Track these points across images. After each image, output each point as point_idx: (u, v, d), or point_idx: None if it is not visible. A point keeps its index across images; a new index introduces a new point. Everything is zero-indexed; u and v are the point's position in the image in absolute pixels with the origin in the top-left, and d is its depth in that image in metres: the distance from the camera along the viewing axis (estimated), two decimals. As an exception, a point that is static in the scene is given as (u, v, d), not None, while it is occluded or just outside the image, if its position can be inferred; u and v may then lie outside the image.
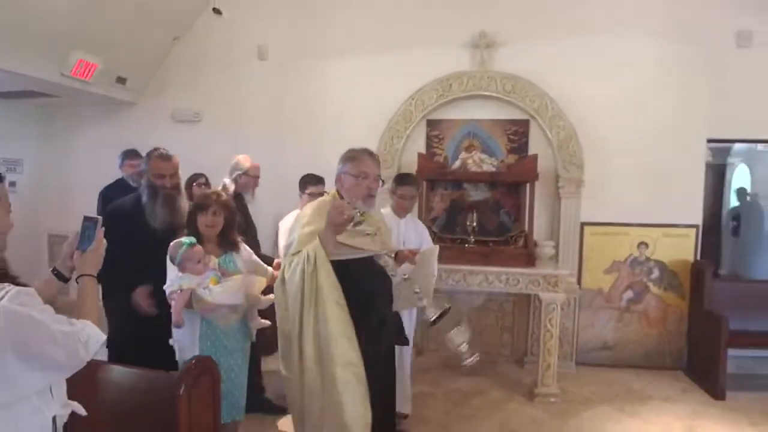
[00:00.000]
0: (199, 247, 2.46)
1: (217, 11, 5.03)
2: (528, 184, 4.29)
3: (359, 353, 2.07)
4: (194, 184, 3.98)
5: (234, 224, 2.65)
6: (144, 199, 2.82)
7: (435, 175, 4.51)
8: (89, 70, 4.58)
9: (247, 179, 3.67)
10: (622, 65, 4.44)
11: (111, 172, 5.25)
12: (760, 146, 6.42)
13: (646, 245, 4.53)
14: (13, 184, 5.45)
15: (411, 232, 3.39)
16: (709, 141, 4.53)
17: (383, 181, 2.44)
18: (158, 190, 2.80)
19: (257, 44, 5.05)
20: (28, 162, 5.84)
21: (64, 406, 1.51)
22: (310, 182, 3.66)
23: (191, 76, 5.24)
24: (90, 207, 5.14)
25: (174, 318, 2.42)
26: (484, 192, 4.65)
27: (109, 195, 4.11)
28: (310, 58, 4.92)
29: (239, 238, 2.69)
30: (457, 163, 4.54)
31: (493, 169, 4.45)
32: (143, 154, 4.22)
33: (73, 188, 5.59)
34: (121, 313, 2.70)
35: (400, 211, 3.39)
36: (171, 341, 2.49)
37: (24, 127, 5.78)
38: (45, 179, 5.84)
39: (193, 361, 2.01)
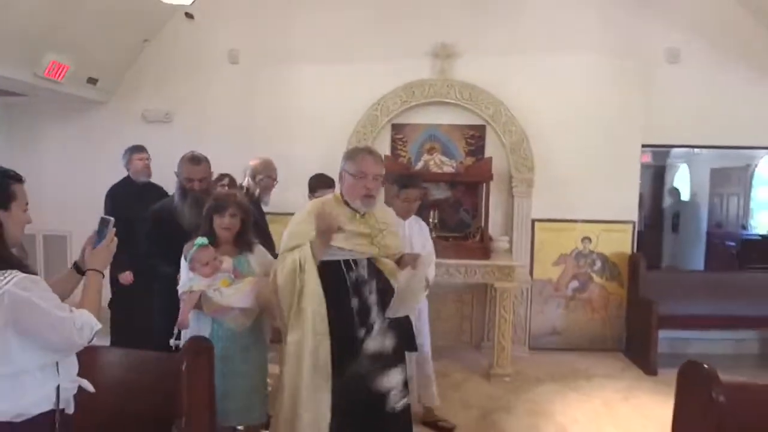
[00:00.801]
0: (209, 249, 2.42)
1: (189, 15, 5.15)
2: (484, 184, 4.65)
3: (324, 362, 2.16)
4: (218, 185, 3.77)
5: (250, 225, 2.62)
6: (176, 200, 2.94)
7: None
8: (62, 71, 4.64)
9: (269, 182, 3.63)
10: (566, 77, 4.85)
11: (79, 171, 5.29)
12: (695, 149, 7.01)
13: (590, 240, 4.97)
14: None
15: (415, 234, 3.36)
16: (644, 146, 5.01)
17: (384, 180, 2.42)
18: (187, 192, 2.90)
19: (228, 48, 5.14)
20: (-9, 160, 5.77)
21: (72, 382, 1.67)
22: (320, 185, 3.54)
23: (163, 77, 5.26)
24: (58, 206, 5.19)
25: (180, 318, 2.41)
26: (444, 191, 4.97)
27: (117, 195, 4.05)
28: (281, 63, 5.05)
29: (255, 240, 2.65)
30: (420, 165, 4.82)
31: (453, 170, 4.75)
32: (120, 153, 4.34)
33: (40, 187, 5.51)
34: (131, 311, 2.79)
35: (404, 213, 3.32)
36: (171, 342, 2.45)
37: (-13, 124, 5.71)
38: (10, 178, 5.78)
39: (191, 342, 2.19)
